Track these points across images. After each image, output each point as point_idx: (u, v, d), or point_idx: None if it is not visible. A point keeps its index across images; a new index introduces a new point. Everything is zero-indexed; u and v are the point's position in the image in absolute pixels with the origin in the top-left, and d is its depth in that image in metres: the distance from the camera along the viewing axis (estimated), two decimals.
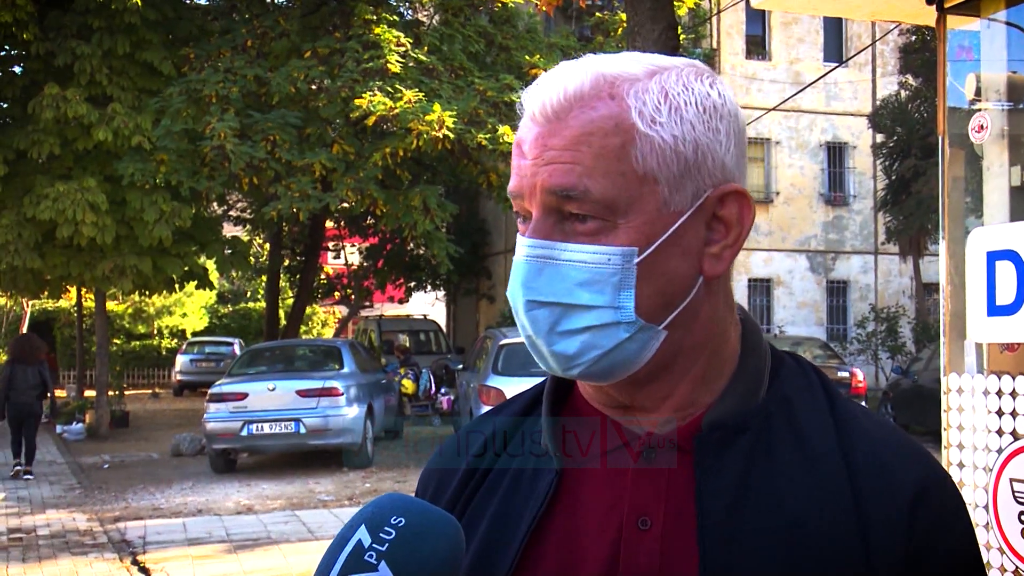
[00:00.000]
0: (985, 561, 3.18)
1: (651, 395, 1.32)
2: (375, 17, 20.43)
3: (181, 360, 36.40)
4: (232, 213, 29.47)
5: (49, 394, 17.46)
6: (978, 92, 3.58)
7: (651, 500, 1.28)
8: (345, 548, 1.14)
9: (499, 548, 1.33)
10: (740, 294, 33.06)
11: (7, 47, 21.87)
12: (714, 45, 33.49)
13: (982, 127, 3.48)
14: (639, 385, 1.31)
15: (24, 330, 39.88)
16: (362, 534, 1.15)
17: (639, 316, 1.25)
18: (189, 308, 43.32)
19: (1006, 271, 3.07)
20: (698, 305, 1.30)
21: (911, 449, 1.31)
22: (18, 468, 16.81)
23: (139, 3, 19.66)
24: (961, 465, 3.34)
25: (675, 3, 15.68)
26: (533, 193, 1.26)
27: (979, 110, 3.54)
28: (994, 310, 3.11)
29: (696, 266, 1.29)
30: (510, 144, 1.44)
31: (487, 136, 18.43)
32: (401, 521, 1.16)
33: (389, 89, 18.89)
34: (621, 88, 1.26)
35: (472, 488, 1.41)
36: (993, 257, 3.12)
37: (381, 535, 1.14)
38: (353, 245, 34.12)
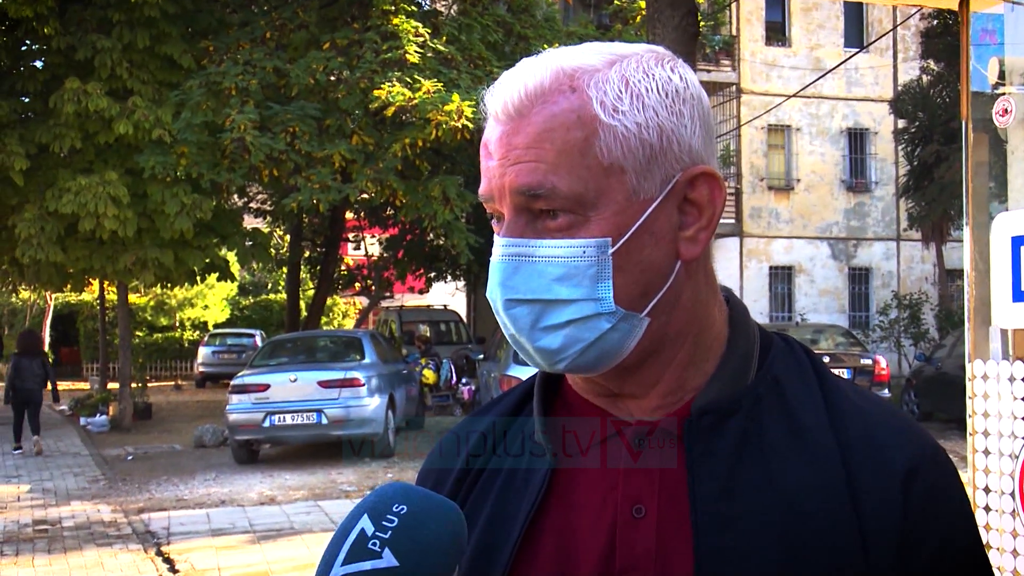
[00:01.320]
0: (1011, 549, 3.16)
1: (639, 382, 1.32)
2: (393, 8, 20.42)
3: (203, 352, 36.50)
4: (252, 205, 29.48)
5: (51, 383, 19.54)
6: (1002, 76, 3.55)
7: (645, 488, 1.29)
8: (348, 537, 1.15)
9: (496, 545, 1.33)
10: (761, 282, 33.03)
11: (28, 42, 21.95)
12: (733, 32, 33.39)
13: (1006, 111, 3.45)
14: (627, 373, 1.31)
15: (48, 323, 40.42)
16: (365, 523, 1.15)
17: (619, 306, 1.25)
18: (210, 300, 43.50)
19: None
20: (679, 290, 1.30)
21: (903, 426, 1.31)
22: (19, 446, 19.08)
23: None
24: (987, 452, 3.31)
25: None
26: (503, 194, 1.27)
27: (1003, 94, 3.51)
28: (1019, 296, 3.09)
29: (672, 251, 1.28)
30: None
31: None
32: (403, 509, 1.16)
33: (408, 80, 18.89)
34: (581, 80, 1.26)
35: (467, 488, 1.41)
36: (1018, 242, 3.10)
37: (384, 523, 1.15)
38: (373, 236, 34.14)
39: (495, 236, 1.30)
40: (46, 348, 38.38)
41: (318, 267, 31.13)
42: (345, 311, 45.73)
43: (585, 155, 1.24)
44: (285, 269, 34.61)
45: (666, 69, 1.29)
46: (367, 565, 1.12)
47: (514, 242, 1.26)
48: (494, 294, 1.28)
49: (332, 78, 19.84)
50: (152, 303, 41.94)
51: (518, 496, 1.35)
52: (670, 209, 1.28)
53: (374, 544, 1.13)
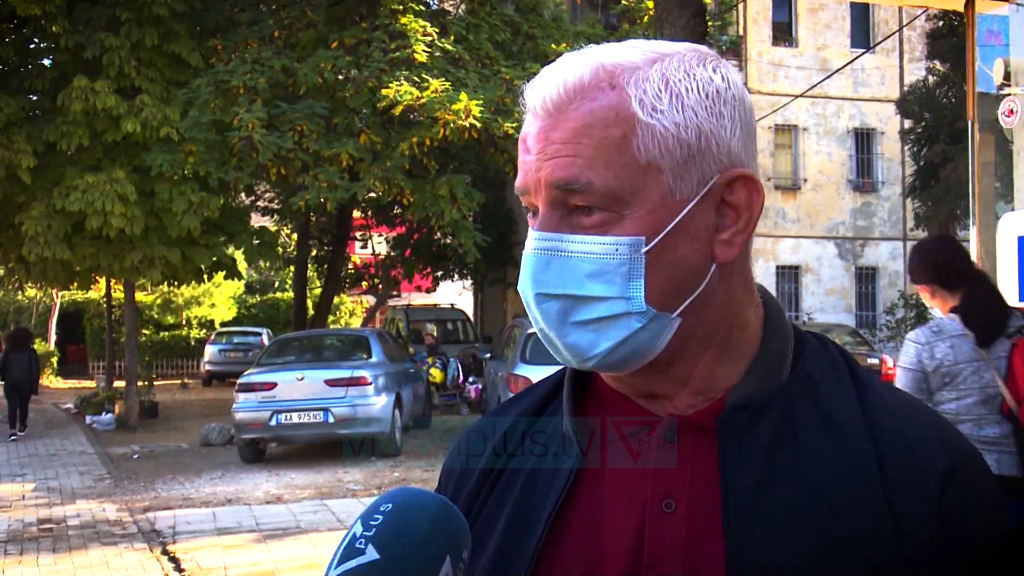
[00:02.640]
0: None
1: (669, 380, 1.32)
2: (401, 7, 20.44)
3: (210, 350, 36.49)
4: (260, 203, 29.53)
5: (33, 375, 21.98)
6: (1007, 76, 3.56)
7: (675, 482, 1.28)
8: (344, 543, 1.20)
9: (520, 538, 1.33)
10: (768, 281, 32.99)
11: (36, 39, 21.98)
12: (740, 32, 33.38)
13: (1012, 111, 3.46)
14: (655, 372, 1.31)
15: (54, 321, 40.49)
16: (357, 527, 1.20)
17: (650, 305, 1.25)
18: (217, 298, 43.49)
19: None
20: (712, 291, 1.29)
21: (938, 426, 1.31)
22: (17, 434, 21.20)
23: None
24: None
25: None
26: (539, 188, 1.27)
27: (1008, 94, 3.52)
28: None
29: (707, 253, 1.28)
30: None
31: (513, 125, 18.42)
32: (388, 506, 1.21)
33: (416, 79, 18.90)
34: (621, 77, 1.26)
35: (489, 486, 1.41)
36: None
37: (371, 523, 1.19)
38: (380, 235, 34.18)
39: (529, 230, 1.30)
40: (51, 346, 38.65)
41: (325, 266, 31.16)
42: (352, 310, 45.75)
43: (622, 152, 1.24)
44: (292, 268, 34.64)
45: (708, 69, 1.29)
46: (352, 563, 1.17)
47: (547, 236, 1.26)
48: (525, 287, 1.28)
49: (340, 77, 19.85)
50: (159, 301, 41.95)
51: (543, 492, 1.35)
52: (707, 211, 1.28)
53: (360, 543, 1.18)
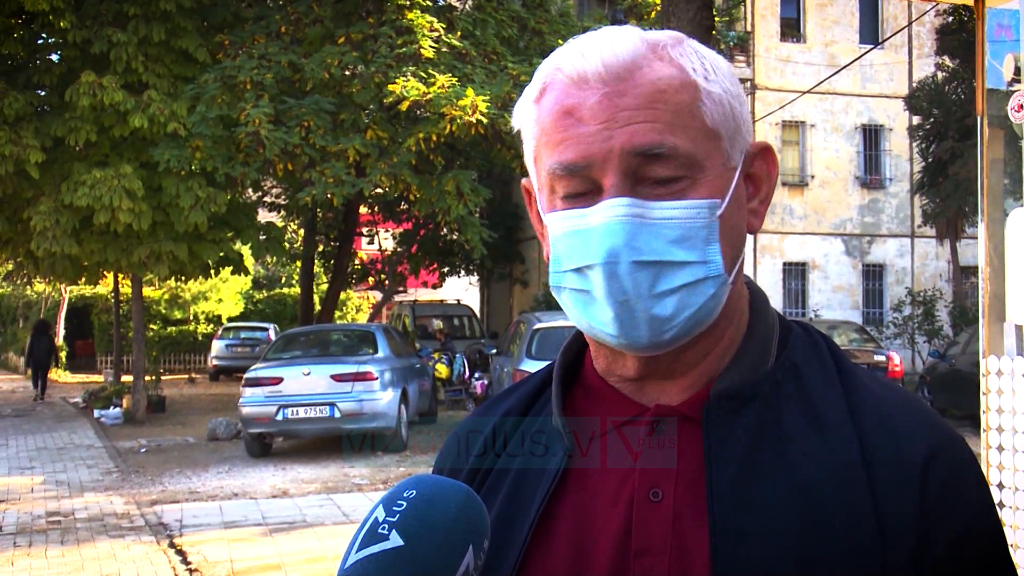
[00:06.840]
0: None
1: (687, 360, 1.32)
2: (408, 2, 20.46)
3: (217, 345, 36.54)
4: (267, 199, 29.53)
5: (54, 354, 30.76)
6: (1017, 72, 3.54)
7: (662, 472, 1.29)
8: (364, 527, 1.20)
9: (509, 534, 1.33)
10: (775, 278, 32.96)
11: (44, 35, 22.00)
12: (748, 28, 33.32)
13: (1022, 107, 3.44)
14: (685, 348, 1.30)
15: (62, 316, 40.70)
16: (378, 512, 1.20)
17: (723, 271, 1.26)
18: (224, 294, 43.49)
19: None
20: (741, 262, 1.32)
21: (921, 413, 1.31)
22: (39, 399, 28.06)
23: None
24: (1001, 448, 3.31)
25: None
26: (608, 158, 1.23)
27: (1018, 90, 3.50)
28: None
29: (745, 221, 1.32)
30: None
31: None
32: (413, 493, 1.21)
33: (422, 74, 18.92)
34: (665, 51, 1.27)
35: (477, 486, 1.40)
36: None
37: (394, 508, 1.19)
38: (387, 230, 34.17)
39: (601, 200, 1.24)
40: (60, 340, 38.87)
41: (332, 261, 31.18)
42: (358, 305, 45.74)
43: (694, 117, 1.25)
44: (299, 263, 34.68)
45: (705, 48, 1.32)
46: (376, 548, 1.17)
47: (633, 202, 1.23)
48: (616, 256, 1.22)
49: (347, 72, 19.87)
50: (166, 296, 41.98)
51: (532, 488, 1.35)
52: (742, 180, 1.31)
53: (383, 529, 1.18)
